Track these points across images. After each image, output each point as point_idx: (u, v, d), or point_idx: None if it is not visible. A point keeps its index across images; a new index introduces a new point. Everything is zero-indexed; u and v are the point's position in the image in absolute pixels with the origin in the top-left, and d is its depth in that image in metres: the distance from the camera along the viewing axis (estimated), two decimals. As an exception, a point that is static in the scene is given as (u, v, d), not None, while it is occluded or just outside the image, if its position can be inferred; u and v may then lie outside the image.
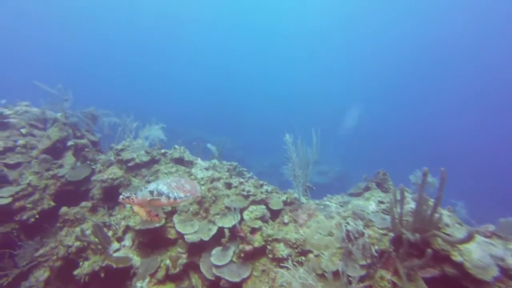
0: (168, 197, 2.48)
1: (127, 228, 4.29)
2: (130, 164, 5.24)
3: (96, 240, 3.91)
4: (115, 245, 4.07)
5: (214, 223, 4.25)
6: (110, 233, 4.23)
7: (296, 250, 3.78)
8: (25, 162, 5.63)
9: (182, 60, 52.97)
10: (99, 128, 6.97)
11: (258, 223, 4.10)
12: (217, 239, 4.10)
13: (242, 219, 4.24)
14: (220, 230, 4.13)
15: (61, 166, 5.41)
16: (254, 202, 4.51)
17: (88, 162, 5.52)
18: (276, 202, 4.55)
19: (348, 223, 3.74)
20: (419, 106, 41.37)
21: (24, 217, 4.89)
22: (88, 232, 4.18)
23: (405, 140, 31.40)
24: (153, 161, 5.57)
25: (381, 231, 3.61)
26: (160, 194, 2.47)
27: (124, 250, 4.04)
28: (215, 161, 6.17)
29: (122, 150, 5.47)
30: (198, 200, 4.44)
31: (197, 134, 19.91)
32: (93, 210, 4.90)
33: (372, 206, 4.13)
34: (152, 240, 4.12)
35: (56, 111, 6.31)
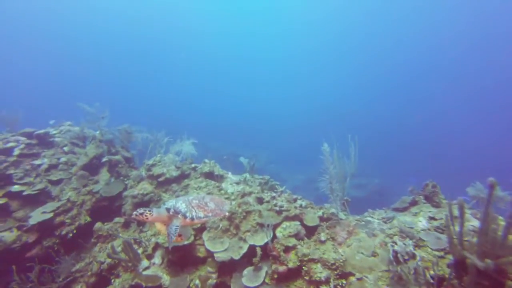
0: (185, 217, 2.26)
1: (157, 245, 4.20)
2: (160, 179, 5.23)
3: (126, 257, 3.85)
4: (145, 262, 3.98)
5: (245, 240, 4.01)
6: (140, 250, 4.17)
7: (336, 272, 3.38)
8: (66, 179, 5.90)
9: (215, 75, 54.37)
10: (134, 144, 7.17)
11: (292, 241, 3.78)
12: (249, 258, 3.85)
13: (274, 236, 3.96)
14: (252, 248, 3.88)
15: (96, 182, 5.57)
16: (287, 218, 4.22)
17: (122, 178, 5.63)
18: (311, 218, 4.20)
19: (395, 243, 3.29)
20: (471, 111, 37.43)
21: (64, 232, 5.05)
22: (119, 249, 4.15)
23: (454, 149, 28.33)
24: (183, 176, 5.52)
25: (436, 253, 3.11)
26: (176, 212, 2.28)
27: (154, 268, 3.93)
28: (246, 175, 5.98)
29: (153, 165, 5.51)
30: (228, 216, 4.24)
31: (230, 149, 19.77)
32: (126, 226, 4.92)
33: (422, 223, 3.61)
34: (181, 258, 3.97)
35: (94, 129, 6.62)
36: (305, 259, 3.54)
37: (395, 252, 3.06)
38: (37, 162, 5.93)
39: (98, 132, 6.81)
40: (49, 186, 5.69)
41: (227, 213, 2.56)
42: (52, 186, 5.75)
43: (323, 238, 3.81)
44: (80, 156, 6.00)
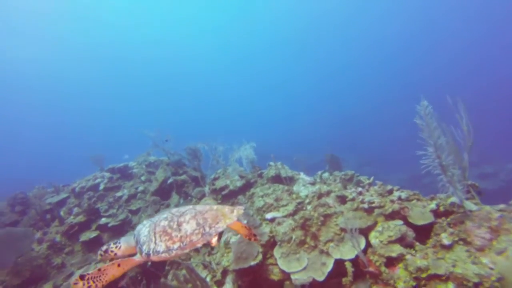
0: (141, 251, 1.45)
1: (227, 269, 3.55)
2: (224, 192, 4.69)
3: (191, 285, 3.31)
4: (214, 290, 3.36)
5: (328, 254, 3.01)
6: (208, 277, 3.59)
7: (486, 298, 2.05)
8: (144, 206, 6.01)
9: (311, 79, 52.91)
10: (205, 161, 6.92)
11: (396, 249, 2.61)
12: (338, 277, 2.82)
13: (368, 244, 2.84)
14: (339, 263, 2.85)
15: (168, 206, 5.44)
16: (383, 217, 3.03)
17: (190, 197, 5.35)
18: (420, 212, 2.92)
19: None
20: None
21: (143, 261, 4.96)
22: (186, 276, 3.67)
23: None
24: (249, 185, 4.88)
25: None
26: (137, 241, 1.50)
27: (224, 298, 3.27)
28: (321, 172, 4.97)
29: (215, 178, 5.05)
30: (301, 223, 3.33)
31: (316, 158, 17.70)
32: (196, 249, 4.49)
33: None
34: (253, 283, 3.20)
35: (159, 153, 6.73)
36: (423, 275, 2.32)
37: None
38: (119, 194, 6.24)
39: (167, 158, 6.90)
40: (130, 216, 5.86)
41: (214, 240, 1.45)
42: (132, 215, 5.91)
43: (446, 242, 2.51)
44: (153, 182, 6.05)
